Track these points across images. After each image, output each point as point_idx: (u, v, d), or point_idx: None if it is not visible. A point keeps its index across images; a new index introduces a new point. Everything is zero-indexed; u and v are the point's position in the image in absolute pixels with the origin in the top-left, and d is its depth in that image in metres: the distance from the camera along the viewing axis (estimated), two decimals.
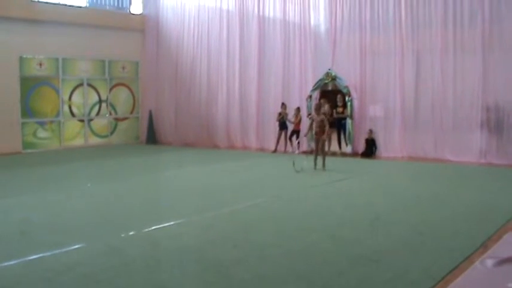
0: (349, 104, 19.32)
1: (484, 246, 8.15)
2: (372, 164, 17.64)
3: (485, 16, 17.20)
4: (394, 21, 18.73)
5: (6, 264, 7.46)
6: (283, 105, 20.23)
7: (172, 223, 9.62)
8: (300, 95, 20.45)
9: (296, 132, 19.79)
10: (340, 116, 19.48)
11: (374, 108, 19.29)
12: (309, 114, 19.58)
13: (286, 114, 20.08)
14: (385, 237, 8.69)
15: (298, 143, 19.21)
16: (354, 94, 19.30)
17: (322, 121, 15.92)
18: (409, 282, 6.75)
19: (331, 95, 20.76)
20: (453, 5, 17.70)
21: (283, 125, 20.19)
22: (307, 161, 15.87)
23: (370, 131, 18.93)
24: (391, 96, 18.89)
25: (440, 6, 17.89)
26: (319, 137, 15.97)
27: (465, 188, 13.18)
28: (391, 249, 8.04)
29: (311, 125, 16.45)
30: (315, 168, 15.81)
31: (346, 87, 19.35)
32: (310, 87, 20.13)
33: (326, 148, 16.80)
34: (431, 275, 6.94)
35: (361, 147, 19.21)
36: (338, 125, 19.63)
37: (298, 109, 19.82)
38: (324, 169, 15.72)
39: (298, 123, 19.68)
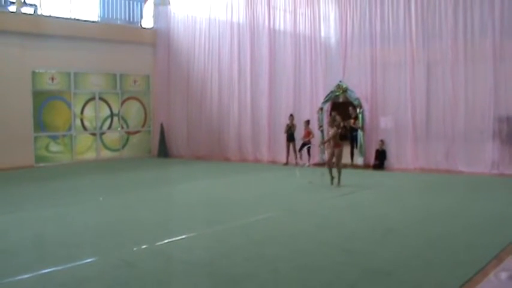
0: (360, 116, 19.30)
1: (497, 258, 8.10)
2: (383, 176, 17.58)
3: (495, 27, 17.19)
4: (405, 32, 18.73)
5: (20, 277, 7.50)
6: (291, 116, 20.21)
7: (184, 236, 9.63)
8: (311, 107, 20.45)
9: (305, 144, 19.68)
10: (354, 127, 19.40)
11: (385, 120, 19.23)
12: (320, 127, 19.61)
13: (294, 126, 20.02)
14: (397, 250, 8.66)
15: (300, 152, 19.29)
16: (365, 106, 19.28)
17: (334, 134, 15.51)
18: None
19: (343, 107, 20.75)
20: (463, 16, 17.69)
21: (291, 137, 20.15)
22: (324, 175, 15.50)
23: (382, 142, 18.88)
24: (402, 108, 18.85)
25: (451, 17, 17.87)
26: (332, 149, 15.48)
27: (478, 200, 13.11)
28: (404, 262, 8.00)
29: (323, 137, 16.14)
30: (332, 183, 15.16)
31: (357, 99, 19.34)
32: (321, 100, 20.14)
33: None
34: None
35: (372, 159, 19.16)
36: (351, 137, 19.57)
37: (307, 122, 19.71)
38: (339, 185, 15.09)
39: (307, 135, 19.52)
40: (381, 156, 18.87)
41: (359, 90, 19.44)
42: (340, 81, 19.68)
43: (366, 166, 19.17)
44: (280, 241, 9.34)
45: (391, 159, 18.94)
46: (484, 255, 8.21)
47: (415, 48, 18.57)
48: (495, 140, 17.30)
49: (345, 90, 19.67)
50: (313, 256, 8.41)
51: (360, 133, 19.35)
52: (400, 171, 18.17)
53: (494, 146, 17.30)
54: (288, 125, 20.17)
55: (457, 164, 17.87)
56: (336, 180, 15.22)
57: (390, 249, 8.76)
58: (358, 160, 19.44)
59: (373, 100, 19.35)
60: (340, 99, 21.18)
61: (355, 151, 19.64)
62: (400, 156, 18.90)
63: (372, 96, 19.35)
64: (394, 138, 18.98)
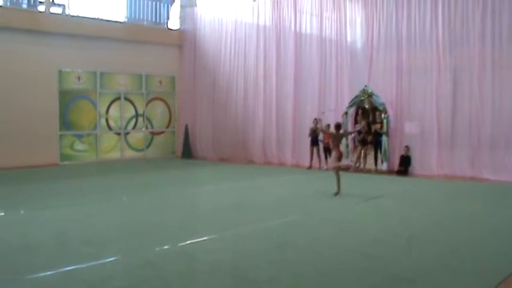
0: (385, 121, 19.17)
1: None
2: (407, 181, 17.44)
3: None
4: (431, 37, 18.55)
5: (43, 274, 7.56)
6: (315, 120, 20.14)
7: (206, 238, 9.63)
8: (336, 112, 20.35)
9: (327, 148, 19.52)
10: (380, 132, 19.25)
11: (410, 126, 19.08)
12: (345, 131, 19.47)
13: (318, 130, 19.93)
14: (421, 257, 8.57)
15: (326, 159, 19.22)
16: (390, 111, 19.15)
17: (340, 137, 14.83)
18: None
19: (368, 112, 20.66)
20: (491, 22, 17.47)
21: (315, 141, 20.08)
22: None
23: (407, 148, 18.73)
24: (427, 114, 18.68)
25: (478, 22, 17.65)
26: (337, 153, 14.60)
27: (503, 207, 12.93)
28: (427, 269, 7.91)
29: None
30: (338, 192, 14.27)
31: (383, 104, 19.22)
32: (346, 104, 20.04)
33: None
34: None
35: (396, 164, 19.01)
36: (375, 142, 19.44)
37: (328, 126, 19.65)
38: (338, 193, 14.19)
39: (327, 138, 19.27)
40: (406, 162, 18.72)
41: (384, 95, 19.31)
42: (366, 86, 19.58)
43: (389, 172, 19.04)
44: (303, 245, 9.30)
45: (416, 165, 18.77)
46: (509, 264, 8.11)
47: (441, 53, 18.38)
48: None
49: (370, 95, 19.57)
50: (335, 261, 8.37)
51: (384, 138, 19.21)
52: (424, 178, 17.99)
53: None
54: (312, 129, 20.11)
55: (483, 171, 17.66)
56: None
57: (413, 255, 8.68)
58: (383, 166, 19.30)
59: (398, 105, 19.21)
60: (366, 104, 21.10)
61: (379, 156, 19.49)
62: (424, 162, 18.71)
63: (397, 102, 19.20)
64: (418, 144, 18.80)
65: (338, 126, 14.98)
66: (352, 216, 11.99)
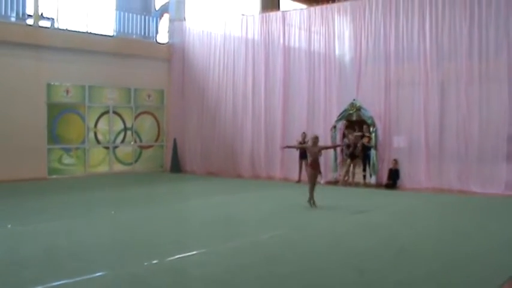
0: (373, 134, 19.22)
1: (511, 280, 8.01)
2: (395, 195, 17.47)
3: (511, 47, 17.15)
4: (419, 51, 18.70)
5: None
6: (303, 134, 20.13)
7: (195, 252, 9.59)
8: (325, 125, 20.39)
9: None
10: (368, 145, 19.31)
11: (398, 139, 19.14)
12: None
13: (306, 143, 19.96)
14: (410, 271, 8.57)
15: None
16: (378, 124, 19.20)
17: (316, 153, 14.79)
18: None
19: (356, 126, 20.73)
20: (478, 36, 17.64)
21: (303, 154, 20.10)
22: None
23: (395, 161, 18.77)
24: (415, 127, 18.77)
25: (466, 36, 17.82)
26: (315, 171, 14.74)
27: (491, 221, 12.98)
28: (417, 283, 7.92)
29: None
30: (311, 205, 14.49)
31: (371, 117, 19.28)
32: (335, 118, 20.08)
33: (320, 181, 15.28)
34: None
35: (385, 178, 19.05)
36: (364, 155, 19.48)
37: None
38: (314, 206, 14.45)
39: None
40: (394, 176, 18.76)
41: (372, 108, 19.38)
42: (354, 100, 19.64)
43: (378, 185, 19.07)
44: (292, 259, 9.28)
45: (404, 178, 18.82)
46: (498, 277, 8.12)
47: (429, 67, 18.53)
48: (509, 161, 17.15)
49: (359, 109, 19.62)
50: (324, 274, 8.35)
51: (372, 152, 19.26)
52: (412, 191, 18.04)
53: (508, 167, 17.15)
54: (299, 143, 20.14)
55: (470, 184, 17.74)
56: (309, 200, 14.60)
57: (402, 269, 8.68)
58: (371, 179, 19.34)
59: (386, 119, 19.28)
60: (354, 118, 21.16)
61: (368, 170, 19.52)
62: (412, 175, 18.78)
63: (386, 115, 19.28)
64: (407, 157, 18.86)
65: (315, 140, 15.01)
66: (341, 229, 11.99)
